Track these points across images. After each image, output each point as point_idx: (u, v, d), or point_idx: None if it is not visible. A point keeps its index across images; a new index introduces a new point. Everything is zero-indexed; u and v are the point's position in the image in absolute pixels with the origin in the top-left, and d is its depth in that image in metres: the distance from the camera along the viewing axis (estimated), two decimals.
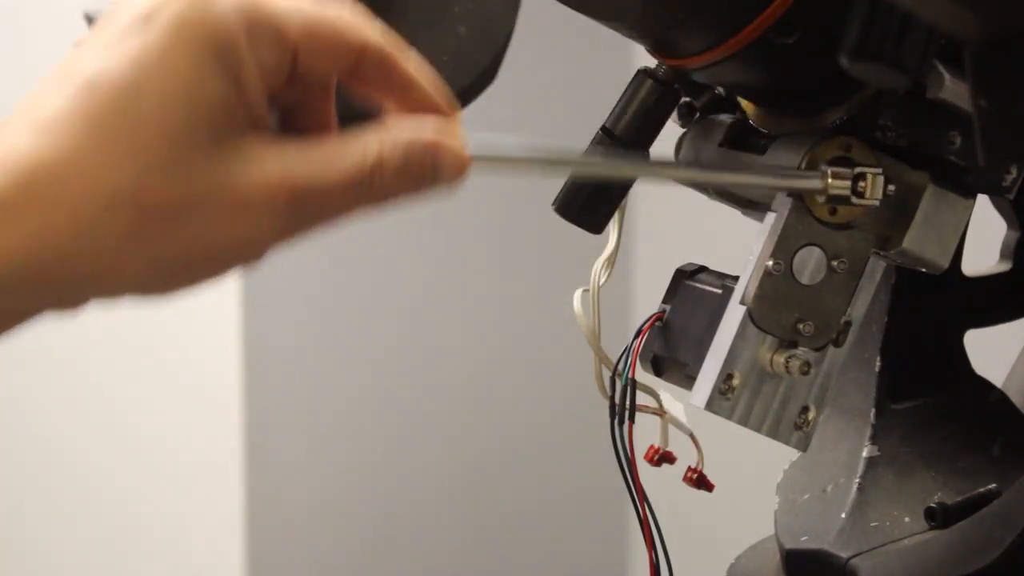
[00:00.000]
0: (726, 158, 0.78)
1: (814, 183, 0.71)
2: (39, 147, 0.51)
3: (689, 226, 2.04)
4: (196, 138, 0.53)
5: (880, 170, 0.71)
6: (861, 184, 0.71)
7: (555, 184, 0.77)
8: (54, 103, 0.52)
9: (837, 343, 0.73)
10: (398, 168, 0.58)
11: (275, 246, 0.57)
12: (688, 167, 0.76)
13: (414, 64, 0.60)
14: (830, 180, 0.71)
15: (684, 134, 0.80)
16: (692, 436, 0.78)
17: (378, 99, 0.60)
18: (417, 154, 0.58)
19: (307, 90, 0.59)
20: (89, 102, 0.52)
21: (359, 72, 0.59)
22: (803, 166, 0.72)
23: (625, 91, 0.76)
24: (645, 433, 0.76)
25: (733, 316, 0.72)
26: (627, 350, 0.76)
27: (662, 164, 0.73)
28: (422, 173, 0.58)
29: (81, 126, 0.52)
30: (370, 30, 0.59)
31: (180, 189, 0.53)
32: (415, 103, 0.60)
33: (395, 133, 0.58)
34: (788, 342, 0.72)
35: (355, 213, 0.58)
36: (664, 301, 0.78)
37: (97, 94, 0.52)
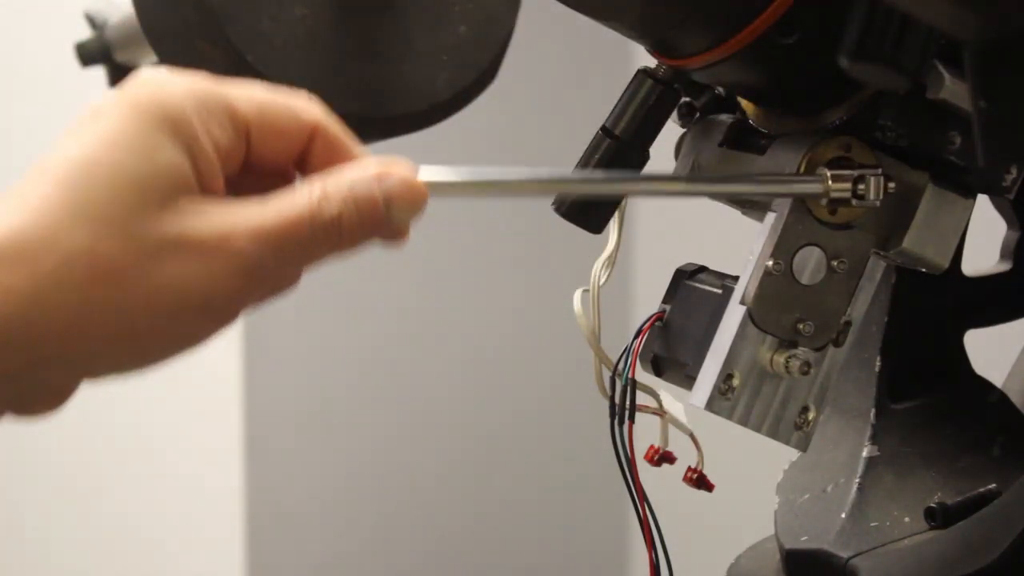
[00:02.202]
0: (726, 158, 0.78)
1: (815, 188, 0.71)
2: (7, 222, 0.57)
3: (689, 226, 2.04)
4: (147, 200, 0.57)
5: (880, 171, 0.71)
6: (861, 187, 0.71)
7: None
8: (26, 187, 0.58)
9: (837, 343, 0.73)
10: (345, 199, 0.59)
11: (244, 298, 0.59)
12: (677, 180, 0.73)
13: (359, 147, 0.63)
14: (830, 184, 0.71)
15: (684, 134, 0.80)
16: (692, 436, 0.77)
17: None
18: (364, 184, 0.60)
19: (266, 183, 0.62)
20: (53, 181, 0.57)
21: (311, 154, 0.62)
22: (803, 166, 0.72)
23: (625, 91, 0.76)
24: (645, 433, 0.76)
25: (733, 316, 0.72)
26: (627, 350, 0.76)
27: (653, 178, 0.71)
28: (372, 203, 0.60)
29: (44, 201, 0.57)
30: (320, 111, 0.62)
31: (131, 244, 0.57)
32: None
33: (340, 173, 0.61)
34: (788, 342, 0.72)
35: (317, 255, 0.60)
36: (664, 301, 0.78)
37: (60, 173, 0.58)
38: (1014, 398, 0.89)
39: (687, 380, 0.74)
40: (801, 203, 0.72)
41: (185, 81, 0.59)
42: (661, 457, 0.77)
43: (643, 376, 0.76)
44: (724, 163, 0.78)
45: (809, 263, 0.72)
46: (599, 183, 0.70)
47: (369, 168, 0.60)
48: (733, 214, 0.81)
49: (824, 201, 0.71)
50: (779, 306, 0.72)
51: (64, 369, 0.58)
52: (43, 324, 0.56)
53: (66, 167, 0.57)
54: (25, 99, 2.27)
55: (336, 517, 2.37)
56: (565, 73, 2.47)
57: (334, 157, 0.62)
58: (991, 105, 0.56)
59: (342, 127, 0.62)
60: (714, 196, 0.78)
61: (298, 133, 0.61)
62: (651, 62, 0.76)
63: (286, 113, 0.61)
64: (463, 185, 0.63)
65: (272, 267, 0.59)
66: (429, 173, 0.62)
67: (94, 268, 0.56)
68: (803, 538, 0.84)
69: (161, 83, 0.59)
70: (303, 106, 0.62)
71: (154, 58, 0.92)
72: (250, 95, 0.61)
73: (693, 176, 0.73)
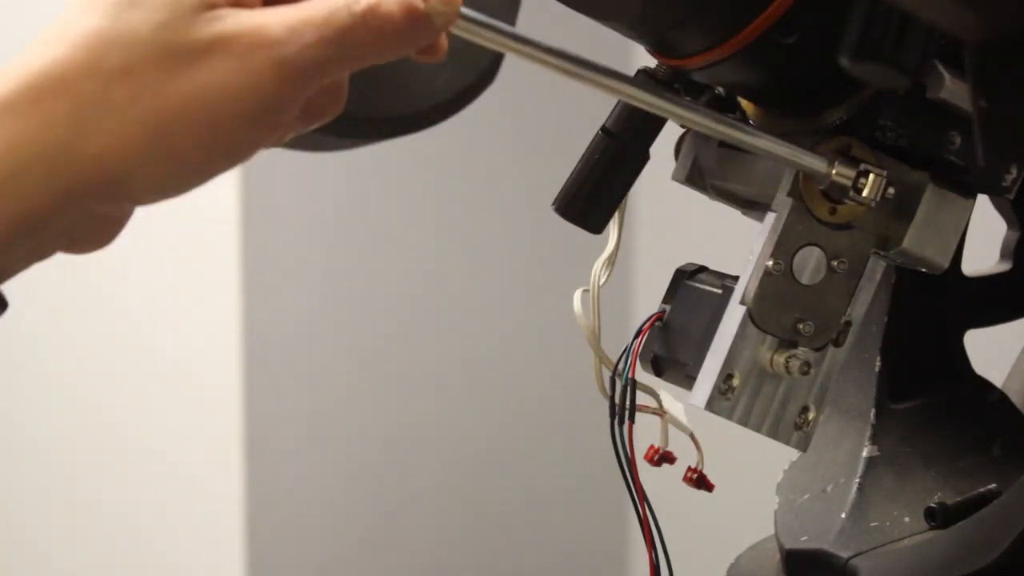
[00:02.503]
0: (726, 158, 0.78)
1: (819, 165, 0.71)
2: (49, 55, 0.58)
3: (689, 226, 2.04)
4: (179, 13, 0.59)
5: (885, 172, 0.71)
6: (862, 181, 0.71)
7: (557, 183, 0.77)
8: (65, 19, 0.59)
9: (837, 343, 0.73)
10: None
11: (284, 102, 0.59)
12: (696, 110, 0.72)
13: None
14: (835, 168, 0.71)
15: (684, 134, 0.80)
16: (692, 436, 0.77)
17: None
18: None
19: None
20: (90, 10, 0.59)
21: None
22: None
23: None
24: (645, 433, 0.76)
25: (733, 316, 0.72)
26: (627, 350, 0.76)
27: (670, 100, 0.71)
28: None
29: (81, 32, 0.59)
30: None
31: (166, 57, 0.58)
32: None
33: None
34: (788, 342, 0.72)
35: (355, 54, 0.60)
36: (664, 301, 0.78)
37: (94, 8, 0.59)
38: (1014, 398, 0.89)
39: (687, 380, 0.74)
40: (801, 203, 0.72)
41: None
42: (661, 457, 0.77)
43: (643, 376, 0.76)
44: (724, 163, 0.78)
45: (809, 263, 0.72)
46: (615, 81, 0.69)
47: None
48: (734, 214, 0.81)
49: (824, 185, 0.71)
50: (779, 306, 0.72)
51: (109, 196, 0.59)
52: (83, 149, 0.58)
53: (98, 5, 0.59)
54: None
55: (336, 517, 2.36)
56: None
57: None
58: (991, 105, 0.56)
59: None
60: (718, 189, 0.78)
61: None
62: (651, 62, 0.76)
63: None
64: (493, 30, 0.64)
65: (309, 63, 0.59)
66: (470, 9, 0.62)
67: (130, 87, 0.58)
68: (803, 538, 0.84)
69: None
70: None
71: None
72: None
73: (707, 112, 0.73)
